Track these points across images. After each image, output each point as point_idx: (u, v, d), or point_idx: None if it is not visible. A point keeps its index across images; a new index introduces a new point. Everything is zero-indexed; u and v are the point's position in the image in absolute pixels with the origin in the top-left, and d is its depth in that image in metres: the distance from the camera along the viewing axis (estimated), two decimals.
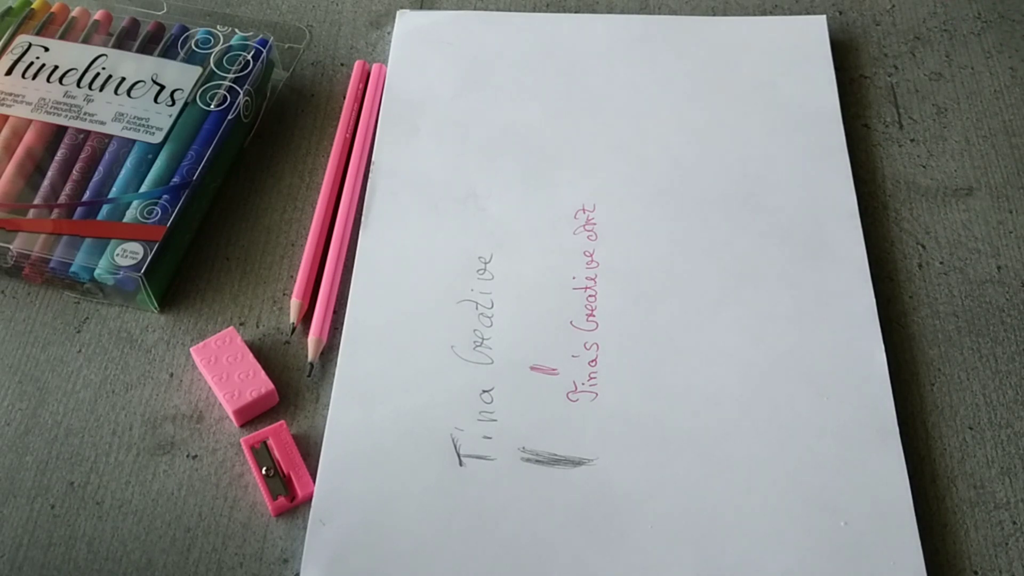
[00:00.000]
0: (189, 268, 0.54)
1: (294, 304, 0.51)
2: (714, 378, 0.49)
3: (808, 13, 0.63)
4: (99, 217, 0.52)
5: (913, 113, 0.59)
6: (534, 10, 0.64)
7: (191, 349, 0.50)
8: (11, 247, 0.51)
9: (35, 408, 0.49)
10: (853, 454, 0.46)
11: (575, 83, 0.59)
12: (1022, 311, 0.52)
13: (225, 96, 0.56)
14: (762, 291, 0.51)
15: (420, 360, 0.49)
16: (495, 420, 0.47)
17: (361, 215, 0.54)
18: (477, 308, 0.51)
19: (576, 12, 0.64)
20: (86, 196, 0.53)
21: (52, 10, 0.60)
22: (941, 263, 0.53)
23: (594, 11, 0.64)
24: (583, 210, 0.54)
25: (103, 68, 0.57)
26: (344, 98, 0.59)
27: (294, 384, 0.50)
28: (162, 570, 0.44)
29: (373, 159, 0.56)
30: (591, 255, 0.53)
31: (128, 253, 0.50)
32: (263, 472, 0.46)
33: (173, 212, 0.52)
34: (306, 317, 0.51)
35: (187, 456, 0.47)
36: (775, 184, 0.55)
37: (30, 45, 0.58)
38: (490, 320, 0.51)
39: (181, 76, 0.56)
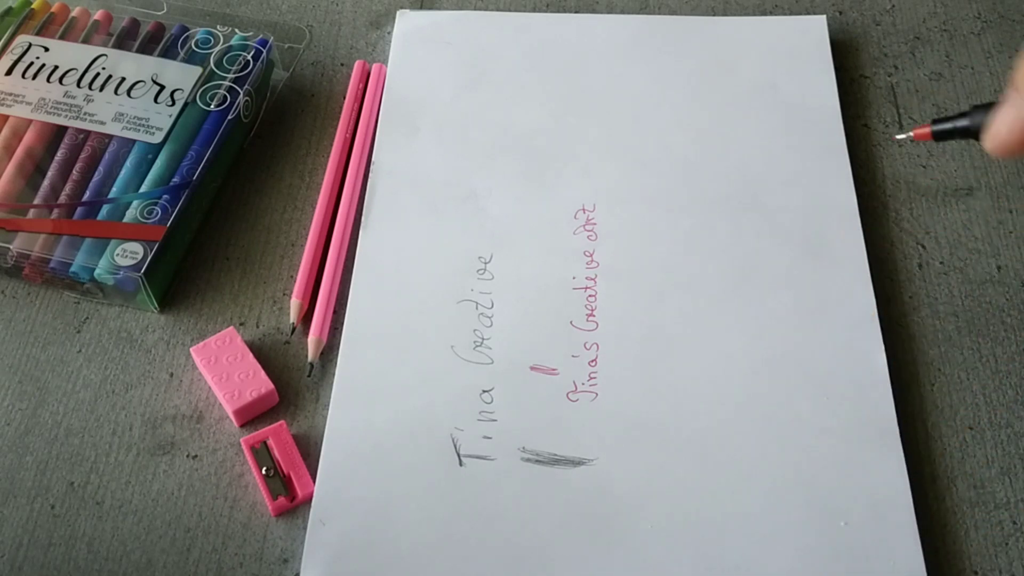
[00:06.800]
0: (189, 268, 0.54)
1: (294, 304, 0.51)
2: (714, 378, 0.49)
3: (808, 13, 0.63)
4: (99, 217, 0.52)
5: (913, 113, 0.59)
6: (534, 10, 0.64)
7: (191, 349, 0.50)
8: (11, 247, 0.51)
9: (35, 408, 0.49)
10: (853, 454, 0.46)
11: (575, 83, 0.59)
12: (1022, 311, 0.52)
13: (225, 96, 0.56)
14: (762, 291, 0.51)
15: (420, 360, 0.49)
16: (495, 420, 0.47)
17: (361, 215, 0.54)
18: (477, 308, 0.51)
19: (576, 12, 0.64)
20: (86, 196, 0.53)
21: (52, 10, 0.60)
22: (941, 263, 0.53)
23: (594, 11, 0.64)
24: (583, 210, 0.54)
25: (103, 68, 0.57)
26: (344, 98, 0.59)
27: (294, 384, 0.50)
28: (162, 570, 0.44)
29: (373, 159, 0.56)
30: (591, 255, 0.53)
31: (128, 253, 0.50)
32: (263, 472, 0.46)
33: (173, 212, 0.52)
34: (306, 317, 0.51)
35: (187, 456, 0.47)
36: (775, 184, 0.55)
37: (30, 45, 0.58)
38: (490, 320, 0.51)
39: (181, 76, 0.56)
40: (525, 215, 0.54)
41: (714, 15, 0.63)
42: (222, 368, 0.49)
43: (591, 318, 0.51)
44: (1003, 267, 0.53)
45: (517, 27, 0.62)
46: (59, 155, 0.54)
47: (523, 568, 0.44)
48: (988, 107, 0.41)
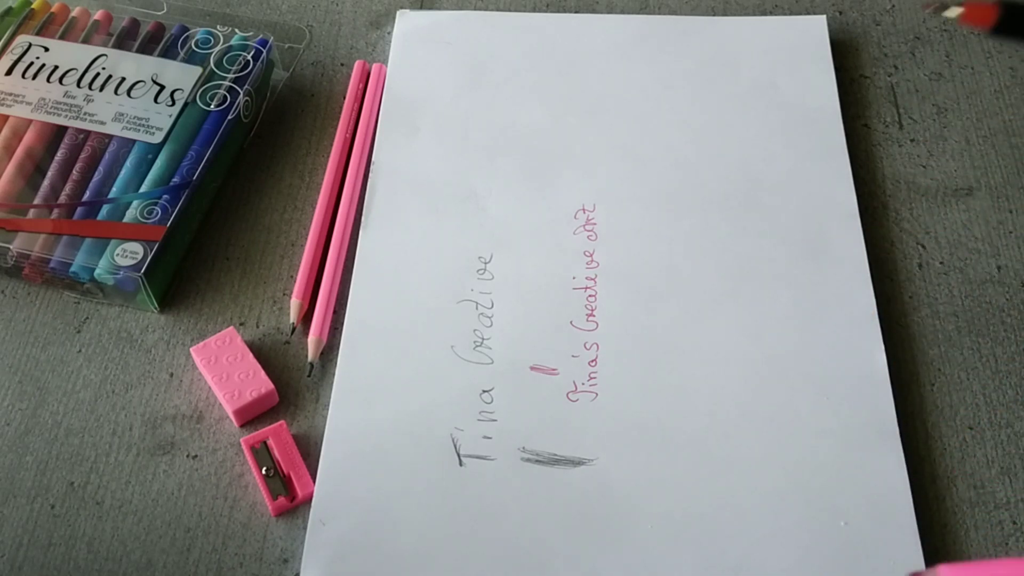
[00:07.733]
0: (189, 268, 0.54)
1: (294, 304, 0.51)
2: (714, 378, 0.49)
3: (808, 13, 0.63)
4: (99, 217, 0.52)
5: (913, 113, 0.59)
6: (534, 10, 0.64)
7: (191, 349, 0.50)
8: (11, 247, 0.51)
9: (35, 408, 0.49)
10: (853, 454, 0.46)
11: (575, 83, 0.59)
12: (1022, 311, 0.52)
13: (225, 96, 0.56)
14: (762, 291, 0.51)
15: (420, 360, 0.49)
16: (495, 420, 0.47)
17: (361, 215, 0.54)
18: (477, 308, 0.51)
19: (576, 12, 0.63)
20: (86, 196, 0.53)
21: (52, 10, 0.60)
22: (941, 263, 0.53)
23: (594, 11, 0.64)
24: (583, 210, 0.54)
25: (103, 68, 0.57)
26: (344, 98, 0.59)
27: (294, 384, 0.50)
28: (162, 570, 0.44)
29: (373, 159, 0.56)
30: (591, 255, 0.53)
31: (128, 253, 0.50)
32: (263, 472, 0.46)
33: (173, 212, 0.52)
34: (306, 317, 0.51)
35: (187, 456, 0.47)
36: (775, 184, 0.55)
37: (30, 45, 0.58)
38: (490, 320, 0.51)
39: (181, 76, 0.56)
40: (525, 215, 0.54)
41: (714, 15, 0.63)
42: (222, 368, 0.49)
43: (591, 318, 0.51)
44: (1003, 267, 0.53)
45: (517, 27, 0.62)
46: (59, 155, 0.54)
47: (523, 568, 0.44)
48: None
